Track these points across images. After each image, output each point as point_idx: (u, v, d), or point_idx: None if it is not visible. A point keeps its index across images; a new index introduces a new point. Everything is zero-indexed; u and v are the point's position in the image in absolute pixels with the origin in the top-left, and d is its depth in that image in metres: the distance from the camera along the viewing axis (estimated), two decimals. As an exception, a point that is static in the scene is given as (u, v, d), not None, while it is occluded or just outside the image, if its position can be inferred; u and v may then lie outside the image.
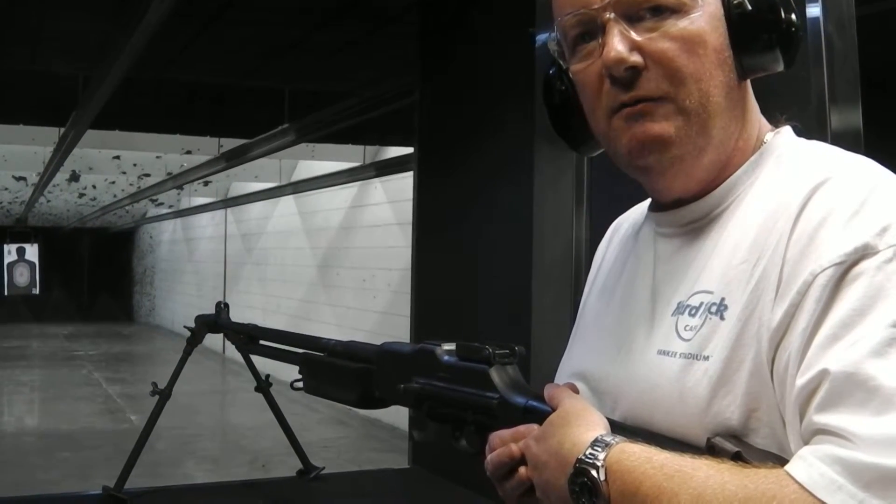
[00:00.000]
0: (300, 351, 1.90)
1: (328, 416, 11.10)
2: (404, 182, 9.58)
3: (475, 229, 4.40)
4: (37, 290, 27.77)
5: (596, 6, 1.24)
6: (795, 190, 1.17)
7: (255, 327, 2.40)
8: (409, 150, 8.37)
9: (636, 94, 1.23)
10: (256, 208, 17.60)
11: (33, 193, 16.20)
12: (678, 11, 1.22)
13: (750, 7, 1.24)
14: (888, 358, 1.02)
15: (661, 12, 1.23)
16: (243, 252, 18.71)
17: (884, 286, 1.05)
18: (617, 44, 1.22)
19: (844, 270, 1.07)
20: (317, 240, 14.53)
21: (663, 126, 1.23)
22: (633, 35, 1.23)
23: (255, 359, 3.40)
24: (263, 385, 4.44)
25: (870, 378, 1.01)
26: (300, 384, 1.86)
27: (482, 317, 4.23)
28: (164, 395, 4.16)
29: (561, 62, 1.37)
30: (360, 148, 11.82)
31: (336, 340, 1.80)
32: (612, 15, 1.23)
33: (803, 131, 1.35)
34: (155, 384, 4.21)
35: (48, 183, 13.49)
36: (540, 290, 3.48)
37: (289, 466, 5.02)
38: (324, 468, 4.50)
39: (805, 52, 2.21)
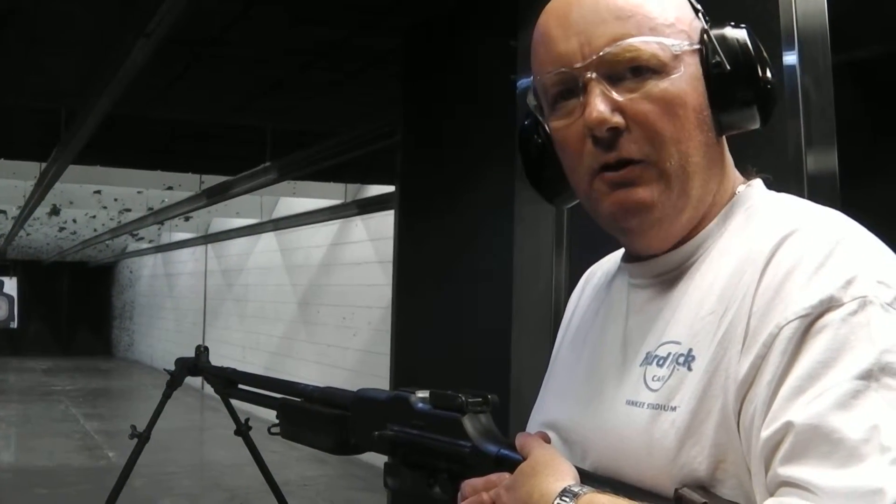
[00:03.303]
0: (278, 396, 1.91)
1: (307, 454, 11.02)
2: (385, 220, 9.60)
3: (455, 271, 4.41)
4: (15, 324, 27.63)
5: (578, 65, 1.25)
6: (763, 242, 1.19)
7: (234, 371, 2.40)
8: (391, 188, 8.40)
9: (619, 155, 1.24)
10: (237, 244, 17.56)
11: (13, 227, 16.13)
12: (659, 72, 1.24)
13: (728, 67, 1.26)
14: (852, 410, 1.03)
15: (642, 73, 1.24)
16: (223, 288, 18.65)
17: (848, 339, 1.07)
18: (599, 104, 1.23)
19: (809, 323, 1.09)
20: (297, 277, 14.50)
21: (647, 191, 1.24)
22: (615, 95, 1.24)
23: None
24: (243, 429, 4.44)
25: (834, 431, 1.02)
26: (277, 429, 1.87)
27: (461, 358, 4.23)
28: (142, 438, 4.15)
29: (539, 117, 1.37)
30: (341, 185, 11.83)
31: (313, 386, 1.80)
32: (594, 75, 1.24)
33: (774, 183, 1.37)
34: (134, 427, 4.19)
35: (28, 216, 13.43)
36: (519, 334, 3.49)
37: (267, 505, 5.01)
38: (302, 511, 4.49)
39: (782, 102, 2.24)
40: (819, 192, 2.30)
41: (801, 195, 1.34)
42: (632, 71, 1.24)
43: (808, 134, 2.37)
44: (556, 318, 3.31)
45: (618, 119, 1.23)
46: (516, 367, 3.44)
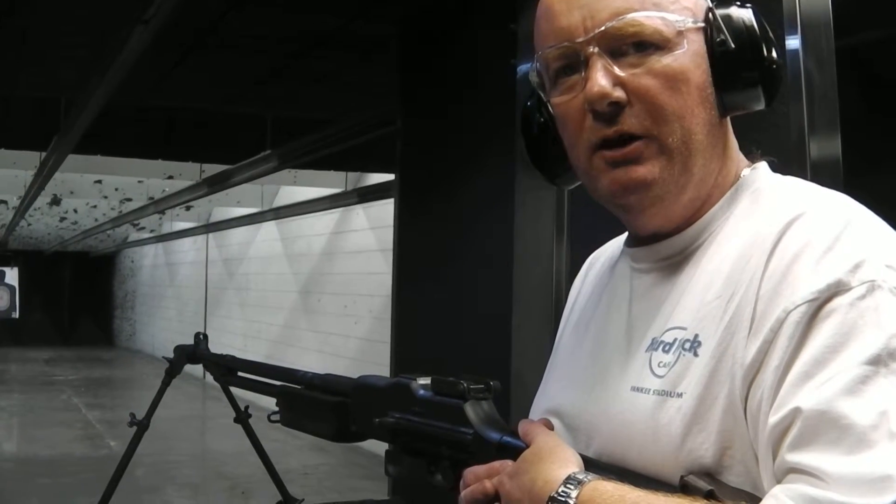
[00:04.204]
0: (278, 383, 1.89)
1: (308, 442, 11.01)
2: (386, 208, 9.58)
3: (456, 258, 4.40)
4: (16, 314, 27.66)
5: (580, 40, 1.24)
6: (770, 225, 1.17)
7: (233, 359, 2.38)
8: (391, 176, 8.39)
9: (619, 129, 1.23)
10: (238, 233, 17.54)
11: (14, 217, 16.13)
12: (662, 48, 1.22)
13: (733, 45, 1.24)
14: (861, 396, 1.02)
15: (644, 48, 1.22)
16: (225, 277, 18.64)
17: (857, 323, 1.05)
18: (600, 78, 1.22)
19: (817, 307, 1.07)
20: (298, 265, 14.49)
21: (648, 168, 1.23)
22: (617, 70, 1.22)
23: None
24: (242, 416, 4.43)
25: (842, 416, 1.01)
26: (277, 417, 1.86)
27: (462, 345, 4.22)
28: (142, 425, 4.15)
29: (541, 93, 1.35)
30: (341, 174, 11.81)
31: (313, 373, 1.79)
32: (596, 49, 1.23)
33: (779, 166, 1.35)
34: (133, 415, 4.18)
35: (29, 207, 13.44)
36: (520, 321, 3.48)
37: (269, 493, 5.00)
38: (303, 500, 4.48)
39: (784, 86, 2.22)
40: (822, 176, 2.29)
41: (804, 179, 1.32)
42: (634, 46, 1.23)
43: (811, 118, 2.35)
44: (557, 305, 3.31)
45: (619, 94, 1.22)
46: (517, 354, 3.43)
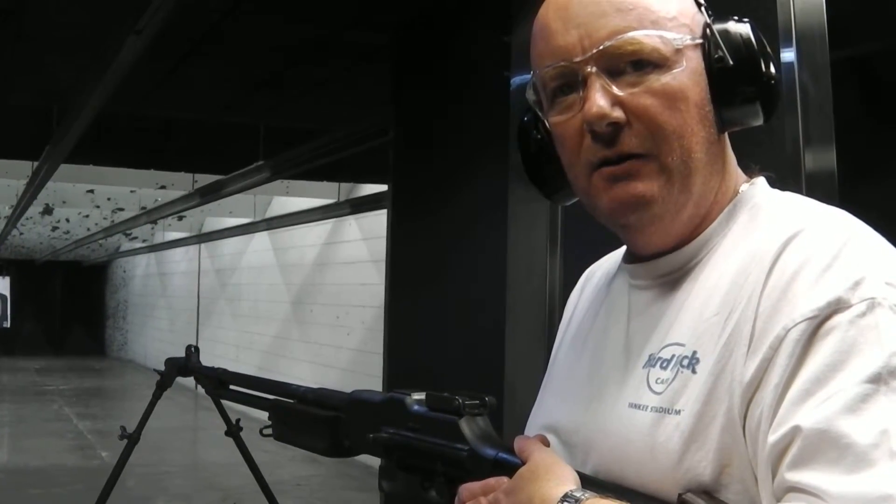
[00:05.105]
0: (270, 397, 1.88)
1: (300, 453, 10.92)
2: (379, 219, 9.58)
3: (448, 270, 4.39)
4: (7, 324, 27.62)
5: (577, 59, 1.22)
6: (769, 242, 1.16)
7: (224, 372, 2.37)
8: (384, 187, 8.39)
9: (619, 150, 1.21)
10: (230, 244, 17.54)
11: (6, 226, 16.11)
12: (661, 66, 1.21)
13: (731, 62, 1.23)
14: (861, 415, 1.01)
15: (643, 67, 1.21)
16: (217, 287, 18.64)
17: (857, 341, 1.04)
18: (599, 99, 1.20)
19: (817, 325, 1.06)
20: (291, 276, 14.48)
21: (647, 186, 1.22)
22: (615, 90, 1.21)
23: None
24: (234, 430, 4.41)
25: (842, 436, 1.00)
26: (269, 431, 1.85)
27: (455, 357, 4.21)
28: (132, 439, 4.13)
29: (538, 112, 1.34)
30: (334, 185, 11.81)
31: (306, 387, 1.78)
32: (594, 69, 1.21)
33: (777, 181, 1.35)
34: (123, 427, 4.16)
35: (21, 216, 13.41)
36: (513, 333, 3.47)
37: (260, 505, 4.99)
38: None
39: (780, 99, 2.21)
40: (817, 189, 2.28)
41: (799, 193, 1.32)
42: (633, 65, 1.21)
43: (807, 131, 2.34)
44: (551, 318, 3.30)
45: (618, 114, 1.20)
46: (510, 367, 3.42)
